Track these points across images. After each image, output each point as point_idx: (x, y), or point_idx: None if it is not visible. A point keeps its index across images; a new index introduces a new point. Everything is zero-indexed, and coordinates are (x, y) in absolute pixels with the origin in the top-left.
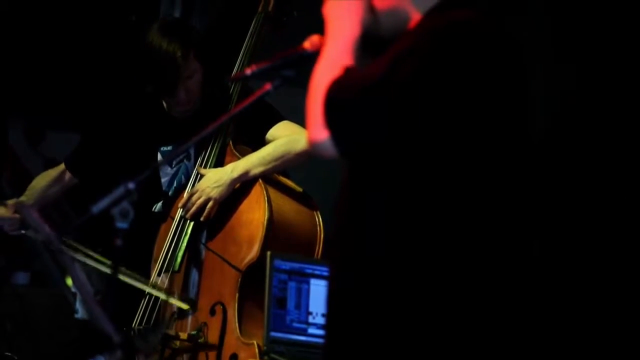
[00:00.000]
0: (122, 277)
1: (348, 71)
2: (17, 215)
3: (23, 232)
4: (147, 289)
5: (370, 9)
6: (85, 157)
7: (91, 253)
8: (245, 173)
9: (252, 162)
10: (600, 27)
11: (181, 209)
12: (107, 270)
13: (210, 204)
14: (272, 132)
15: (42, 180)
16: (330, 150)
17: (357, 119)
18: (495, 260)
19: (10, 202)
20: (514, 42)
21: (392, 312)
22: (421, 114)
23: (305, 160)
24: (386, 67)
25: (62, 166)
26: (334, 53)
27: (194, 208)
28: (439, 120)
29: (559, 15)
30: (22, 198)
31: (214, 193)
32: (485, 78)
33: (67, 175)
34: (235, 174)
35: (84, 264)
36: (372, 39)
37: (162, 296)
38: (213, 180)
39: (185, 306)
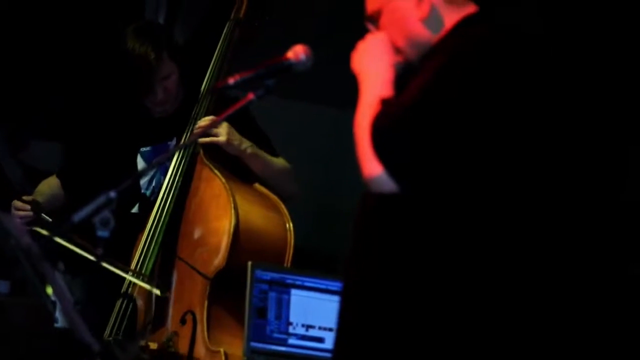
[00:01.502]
0: (106, 264)
1: (385, 103)
2: (30, 212)
3: (32, 228)
4: (127, 277)
5: (396, 51)
6: (76, 171)
7: (79, 240)
8: (245, 150)
9: (255, 149)
10: (593, 26)
11: (154, 215)
12: (92, 258)
13: (214, 139)
14: None
15: (46, 186)
16: (387, 183)
17: (403, 146)
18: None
19: (26, 198)
20: (533, 53)
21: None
22: (457, 132)
23: (290, 193)
24: (418, 92)
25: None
26: (372, 97)
27: (201, 128)
28: (473, 134)
29: (551, 14)
30: (35, 197)
31: (225, 136)
32: (511, 88)
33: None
34: (242, 146)
35: (65, 272)
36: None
37: (141, 283)
38: (232, 133)
39: (157, 291)
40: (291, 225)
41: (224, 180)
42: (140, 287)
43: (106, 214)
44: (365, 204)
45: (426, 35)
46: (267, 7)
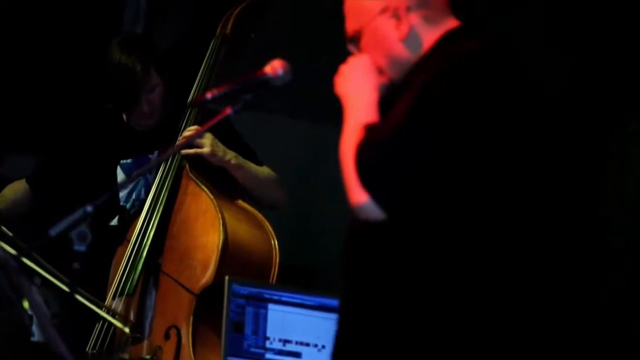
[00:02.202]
0: (79, 297)
1: (369, 129)
2: None
3: None
4: (99, 312)
5: (379, 72)
6: (48, 177)
7: (52, 269)
8: (229, 161)
9: (240, 159)
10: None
11: (138, 229)
12: (66, 289)
13: (198, 150)
14: None
15: (10, 191)
16: (374, 210)
17: (390, 172)
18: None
19: None
20: (520, 66)
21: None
22: (455, 150)
23: (276, 202)
24: (406, 114)
25: (24, 183)
26: (356, 121)
27: (185, 138)
28: (471, 152)
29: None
30: None
31: (209, 147)
32: (502, 105)
33: (31, 193)
34: (226, 157)
35: (41, 286)
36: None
37: (115, 322)
38: (216, 144)
39: (126, 329)
40: (276, 242)
41: (211, 195)
42: (119, 304)
43: (83, 228)
44: (356, 221)
45: (407, 55)
46: (253, 24)
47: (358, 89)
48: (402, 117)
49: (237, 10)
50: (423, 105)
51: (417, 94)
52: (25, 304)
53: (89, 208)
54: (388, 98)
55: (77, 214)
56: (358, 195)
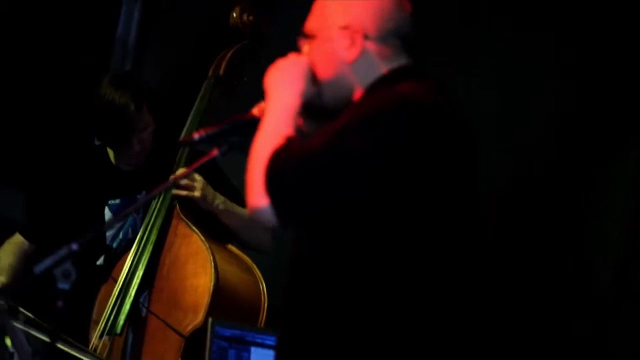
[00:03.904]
0: (61, 345)
1: (290, 141)
2: None
3: None
4: (83, 358)
5: (313, 80)
6: (41, 223)
7: (32, 317)
8: (217, 207)
9: (228, 204)
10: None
11: (127, 268)
12: (47, 339)
13: (190, 193)
14: None
15: (7, 256)
16: (270, 217)
17: (300, 188)
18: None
19: None
20: (455, 111)
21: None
22: (370, 183)
23: (261, 245)
24: (330, 139)
25: (18, 237)
26: (274, 122)
27: (174, 178)
28: (386, 188)
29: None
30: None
31: (200, 192)
32: (429, 148)
33: (27, 245)
34: (215, 202)
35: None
36: (317, 107)
37: None
38: (207, 188)
39: None
40: (264, 286)
41: (202, 237)
42: (104, 343)
43: (67, 266)
44: (295, 253)
45: (346, 79)
46: (246, 67)
47: (285, 89)
48: (326, 143)
49: (231, 52)
50: (350, 142)
51: (347, 125)
52: (7, 341)
53: (74, 246)
54: (315, 109)
55: (62, 251)
56: (259, 199)
